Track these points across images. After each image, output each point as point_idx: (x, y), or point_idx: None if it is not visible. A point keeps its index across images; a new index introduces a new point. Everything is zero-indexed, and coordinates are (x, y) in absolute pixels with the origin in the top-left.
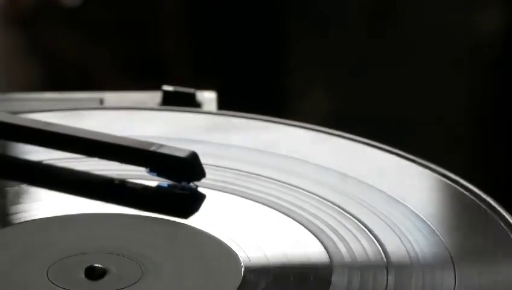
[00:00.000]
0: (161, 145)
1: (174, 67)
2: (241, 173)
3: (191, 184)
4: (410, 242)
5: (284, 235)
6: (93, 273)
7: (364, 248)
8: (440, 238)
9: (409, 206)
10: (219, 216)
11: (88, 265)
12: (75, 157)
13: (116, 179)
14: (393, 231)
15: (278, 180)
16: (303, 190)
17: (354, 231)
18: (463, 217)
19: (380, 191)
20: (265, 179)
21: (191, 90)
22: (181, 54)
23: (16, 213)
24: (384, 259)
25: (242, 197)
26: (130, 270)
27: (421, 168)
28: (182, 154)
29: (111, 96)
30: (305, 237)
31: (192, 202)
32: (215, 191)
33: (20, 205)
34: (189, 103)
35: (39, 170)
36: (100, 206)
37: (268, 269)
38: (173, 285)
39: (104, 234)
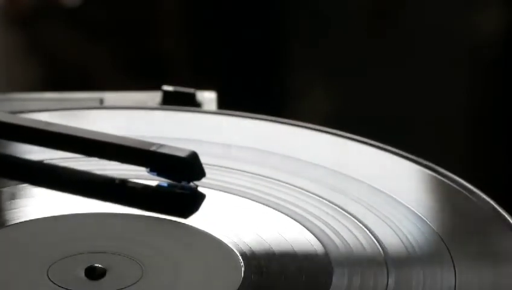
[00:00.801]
0: (161, 145)
1: (174, 67)
2: (241, 172)
3: (191, 184)
4: (410, 242)
5: (284, 235)
6: (93, 273)
7: (364, 248)
8: (440, 238)
9: (409, 206)
10: (219, 216)
11: (88, 265)
12: (75, 157)
13: (116, 179)
14: (393, 230)
15: (278, 180)
16: (303, 189)
17: (355, 231)
18: (463, 217)
19: (380, 191)
20: (265, 179)
21: (191, 90)
22: (181, 54)
23: (16, 213)
24: (384, 259)
25: (242, 197)
26: (130, 270)
27: (421, 168)
28: (182, 154)
29: (111, 96)
30: (305, 236)
31: (192, 202)
32: (215, 191)
33: (19, 205)
34: (189, 102)
35: (39, 170)
36: (100, 206)
37: (269, 269)
38: (173, 285)
39: (104, 234)
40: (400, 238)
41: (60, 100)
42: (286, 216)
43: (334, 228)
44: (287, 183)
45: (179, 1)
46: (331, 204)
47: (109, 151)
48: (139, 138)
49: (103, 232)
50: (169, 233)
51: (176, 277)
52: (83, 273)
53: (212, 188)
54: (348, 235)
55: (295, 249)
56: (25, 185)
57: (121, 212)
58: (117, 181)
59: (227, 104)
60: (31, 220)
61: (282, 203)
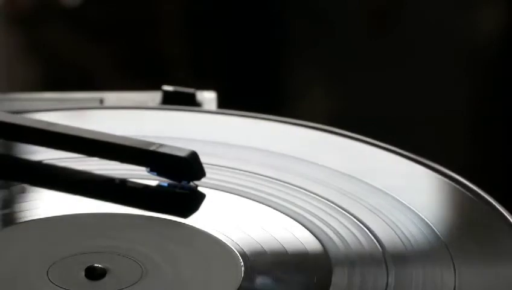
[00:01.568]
0: (161, 145)
1: (174, 67)
2: (241, 172)
3: (191, 183)
4: (410, 242)
5: (284, 235)
6: (93, 273)
7: (364, 248)
8: (440, 238)
9: (408, 205)
10: (219, 216)
11: (88, 265)
12: (75, 157)
13: (116, 179)
14: (392, 230)
15: (277, 180)
16: (303, 189)
17: (355, 231)
18: (463, 217)
19: (380, 190)
20: (265, 178)
21: (191, 90)
22: (181, 54)
23: (16, 213)
24: (384, 259)
25: (242, 197)
26: (130, 270)
27: (422, 168)
28: (182, 154)
29: (111, 96)
30: (305, 236)
31: (192, 202)
32: (215, 191)
33: (20, 205)
34: (189, 102)
35: (39, 170)
36: (100, 206)
37: (269, 269)
38: (173, 285)
39: (104, 234)
40: (400, 238)
41: (60, 100)
42: (286, 216)
43: (333, 227)
44: (287, 182)
45: (179, 1)
46: (330, 203)
47: (109, 151)
48: (139, 138)
49: (103, 232)
50: (169, 233)
51: (176, 277)
52: (83, 273)
53: (212, 188)
54: (347, 235)
55: (295, 248)
56: (25, 185)
57: (121, 212)
58: (117, 181)
59: (227, 104)
60: (31, 220)
61: (282, 202)
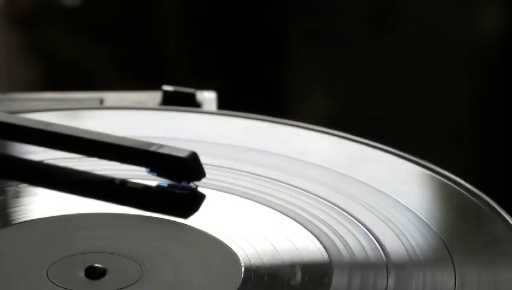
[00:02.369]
0: (161, 145)
1: (174, 67)
2: (241, 173)
3: (191, 184)
4: (410, 242)
5: (284, 235)
6: (93, 273)
7: (364, 248)
8: (440, 239)
9: (408, 206)
10: (219, 216)
11: (88, 265)
12: (75, 157)
13: (116, 179)
14: (392, 231)
15: (278, 180)
16: (303, 190)
17: (354, 232)
18: (463, 217)
19: (380, 191)
20: (266, 179)
21: (191, 90)
22: (181, 54)
23: (16, 213)
24: (384, 259)
25: (242, 197)
26: (130, 270)
27: (421, 169)
28: (182, 154)
29: (111, 96)
30: (305, 237)
31: (192, 202)
32: (215, 191)
33: (20, 205)
34: (189, 103)
35: (39, 170)
36: (100, 206)
37: (268, 269)
38: (173, 285)
39: (104, 234)
40: (400, 239)
41: (60, 100)
42: (286, 216)
43: (333, 228)
44: (286, 183)
45: (179, 1)
46: (330, 204)
47: (109, 151)
48: (139, 138)
49: (103, 232)
50: (169, 233)
51: (176, 277)
52: (83, 273)
53: (212, 188)
54: (348, 236)
55: (295, 249)
56: (25, 185)
57: (121, 212)
58: (117, 181)
59: (227, 104)
60: (31, 220)
61: (282, 203)
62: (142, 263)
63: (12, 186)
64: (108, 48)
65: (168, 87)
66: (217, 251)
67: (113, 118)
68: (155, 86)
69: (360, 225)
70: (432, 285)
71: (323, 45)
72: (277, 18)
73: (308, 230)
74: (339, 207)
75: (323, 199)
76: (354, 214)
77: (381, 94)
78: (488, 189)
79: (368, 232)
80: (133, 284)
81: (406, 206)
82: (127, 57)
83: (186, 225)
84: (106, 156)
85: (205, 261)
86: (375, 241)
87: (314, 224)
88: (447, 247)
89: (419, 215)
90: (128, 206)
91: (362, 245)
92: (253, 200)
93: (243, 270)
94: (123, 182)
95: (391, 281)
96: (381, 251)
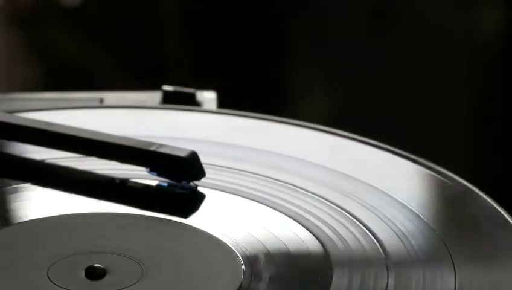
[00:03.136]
0: (161, 145)
1: (174, 67)
2: (241, 172)
3: (191, 184)
4: (410, 242)
5: (283, 235)
6: (93, 273)
7: (364, 249)
8: (440, 238)
9: (409, 206)
10: (219, 216)
11: (88, 265)
12: (75, 157)
13: (116, 179)
14: (392, 230)
15: (277, 180)
16: (303, 189)
17: (355, 231)
18: (463, 217)
19: (380, 190)
20: (265, 178)
21: (191, 90)
22: (181, 54)
23: (16, 213)
24: (384, 259)
25: (242, 197)
26: (130, 270)
27: (422, 168)
28: (182, 154)
29: (111, 96)
30: (305, 236)
31: (192, 202)
32: (215, 191)
33: (20, 205)
34: (189, 102)
35: (39, 170)
36: (100, 206)
37: (268, 269)
38: (173, 285)
39: (104, 234)
40: (400, 238)
41: (60, 100)
42: (286, 216)
43: (334, 228)
44: (286, 183)
45: (179, 1)
46: (331, 204)
47: (109, 151)
48: (139, 138)
49: (103, 232)
50: (169, 233)
51: (176, 276)
52: (83, 273)
53: (212, 188)
54: (347, 235)
55: (295, 249)
56: (25, 185)
57: (121, 212)
58: (117, 181)
59: (227, 104)
60: (31, 220)
61: (281, 203)
62: (142, 263)
63: (12, 186)
64: (108, 48)
65: (168, 87)
66: (217, 250)
67: (113, 118)
68: (155, 86)
69: (360, 224)
70: (431, 285)
71: (323, 45)
72: (277, 18)
73: (308, 230)
74: (338, 206)
75: (323, 198)
76: (354, 213)
77: (381, 94)
78: (488, 188)
79: (367, 231)
80: (133, 284)
81: (406, 205)
82: (127, 57)
83: (186, 225)
84: (106, 156)
85: (205, 261)
86: (375, 242)
87: (314, 224)
88: (446, 247)
89: (419, 214)
90: (129, 206)
91: (362, 244)
92: (253, 200)
93: (242, 270)
94: (123, 182)
95: (391, 281)
96: (381, 251)
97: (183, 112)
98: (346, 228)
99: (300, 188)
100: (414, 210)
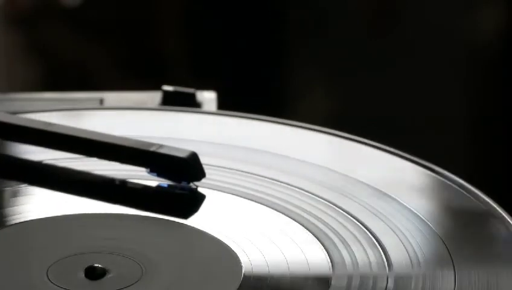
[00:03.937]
0: (161, 146)
1: (174, 67)
2: (241, 173)
3: (191, 184)
4: (410, 243)
5: (284, 236)
6: (93, 273)
7: (364, 249)
8: (440, 239)
9: (408, 206)
10: (219, 216)
11: (88, 265)
12: (75, 157)
13: (116, 179)
14: (393, 231)
15: (278, 181)
16: (303, 190)
17: (355, 233)
18: (463, 217)
19: (380, 191)
20: (265, 179)
21: (191, 90)
22: (181, 54)
23: (16, 213)
24: (384, 260)
25: (242, 197)
26: (130, 270)
27: (421, 168)
28: (182, 155)
29: (111, 96)
30: (304, 237)
31: (192, 202)
32: (215, 191)
33: (19, 205)
34: (189, 103)
35: (39, 170)
36: (100, 206)
37: (268, 269)
38: (173, 285)
39: (104, 234)
40: (400, 239)
41: (60, 100)
42: (285, 216)
43: (333, 228)
44: (286, 183)
45: (179, 1)
46: (330, 204)
47: (109, 151)
48: (139, 138)
49: (103, 232)
50: (169, 233)
51: (176, 276)
52: (83, 274)
53: (212, 188)
54: (348, 237)
55: (295, 249)
56: (25, 185)
57: (121, 212)
58: (117, 181)
59: (227, 104)
60: (30, 220)
61: (281, 203)
62: (142, 263)
63: (12, 186)
64: (108, 48)
65: (168, 87)
66: (216, 251)
67: (113, 118)
68: (155, 86)
69: (360, 225)
70: (431, 286)
71: (323, 45)
72: (277, 18)
73: (308, 230)
74: (338, 207)
75: (323, 199)
76: (354, 214)
77: (381, 94)
78: (488, 189)
79: (367, 232)
80: (133, 284)
81: (406, 206)
82: (127, 57)
83: (186, 225)
84: (106, 156)
85: (205, 261)
86: (375, 242)
87: (314, 224)
88: (446, 247)
89: (419, 215)
90: (129, 207)
91: (363, 247)
92: (253, 200)
93: (242, 270)
94: (123, 183)
95: (391, 281)
96: (381, 251)
97: (183, 112)
98: (347, 229)
99: (300, 188)
100: (414, 210)
